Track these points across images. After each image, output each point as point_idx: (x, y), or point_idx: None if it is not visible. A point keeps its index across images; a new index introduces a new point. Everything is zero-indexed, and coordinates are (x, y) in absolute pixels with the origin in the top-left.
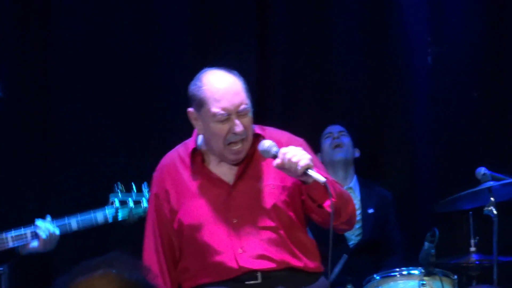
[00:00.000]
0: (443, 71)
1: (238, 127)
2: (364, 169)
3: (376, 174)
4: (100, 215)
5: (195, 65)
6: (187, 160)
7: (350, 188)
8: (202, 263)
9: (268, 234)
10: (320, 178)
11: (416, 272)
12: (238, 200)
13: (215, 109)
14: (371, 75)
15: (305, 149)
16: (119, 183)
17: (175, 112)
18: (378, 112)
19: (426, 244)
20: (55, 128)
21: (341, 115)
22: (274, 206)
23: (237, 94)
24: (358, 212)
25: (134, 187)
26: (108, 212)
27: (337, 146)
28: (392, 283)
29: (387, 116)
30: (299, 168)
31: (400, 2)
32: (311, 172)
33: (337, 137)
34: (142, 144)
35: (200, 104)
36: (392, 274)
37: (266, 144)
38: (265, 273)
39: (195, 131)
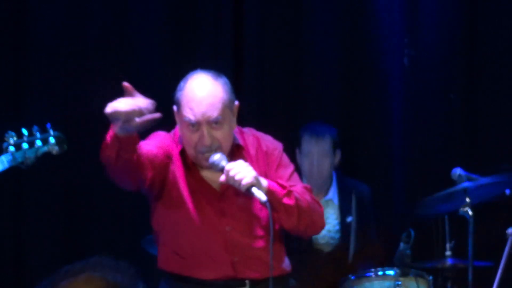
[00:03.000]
0: (419, 73)
1: (205, 139)
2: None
3: (351, 176)
4: None
5: (169, 69)
6: (179, 158)
7: (330, 200)
8: (192, 266)
9: (260, 243)
10: (262, 197)
11: (391, 272)
12: (230, 208)
13: (186, 115)
14: (347, 76)
15: (280, 156)
16: (9, 131)
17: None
18: (354, 113)
19: (402, 245)
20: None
21: (317, 116)
22: (262, 214)
23: (212, 105)
24: (336, 222)
25: (25, 131)
26: (5, 158)
27: (315, 175)
28: (367, 284)
29: (363, 118)
30: (241, 186)
31: (376, 4)
32: (254, 190)
33: (316, 167)
34: None
35: (178, 105)
36: (367, 274)
37: (215, 157)
38: (254, 280)
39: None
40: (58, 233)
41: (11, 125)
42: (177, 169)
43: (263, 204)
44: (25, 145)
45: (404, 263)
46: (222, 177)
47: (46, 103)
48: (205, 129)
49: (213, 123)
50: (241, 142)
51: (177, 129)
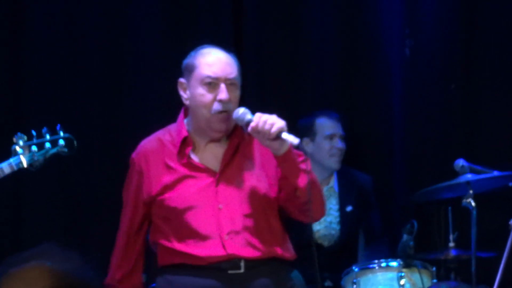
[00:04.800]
0: (420, 63)
1: (223, 93)
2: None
3: (352, 166)
4: (6, 166)
5: (167, 60)
6: (173, 148)
7: (331, 188)
8: (186, 245)
9: (253, 222)
10: (294, 140)
11: (394, 264)
12: (224, 188)
13: (205, 72)
14: (348, 67)
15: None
16: (18, 133)
17: (147, 110)
18: (355, 104)
19: (405, 236)
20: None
21: (318, 107)
22: (259, 194)
23: (231, 65)
24: (337, 213)
25: (34, 133)
26: (13, 161)
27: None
28: (370, 275)
29: (364, 109)
30: (272, 131)
31: None
32: (284, 135)
33: (340, 148)
34: (115, 138)
35: (192, 69)
36: (371, 266)
37: (240, 110)
38: (249, 262)
39: (180, 116)
40: (57, 232)
41: (12, 126)
42: (167, 159)
43: (295, 145)
44: (34, 148)
45: (407, 255)
46: (252, 124)
47: (44, 103)
48: (223, 85)
49: (230, 83)
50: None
51: (179, 120)
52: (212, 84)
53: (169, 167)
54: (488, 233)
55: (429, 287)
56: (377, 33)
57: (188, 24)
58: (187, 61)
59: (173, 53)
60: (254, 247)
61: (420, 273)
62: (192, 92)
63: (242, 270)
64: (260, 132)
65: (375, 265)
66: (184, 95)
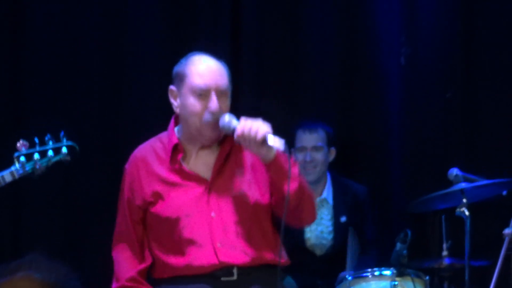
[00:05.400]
0: (415, 71)
1: (214, 104)
2: (335, 170)
3: (347, 175)
4: (7, 174)
5: (167, 60)
6: (165, 156)
7: (324, 199)
8: (179, 255)
9: (245, 229)
10: (279, 144)
11: (388, 272)
12: (216, 195)
13: (196, 81)
14: (344, 75)
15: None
16: (21, 139)
17: (147, 110)
18: (350, 112)
19: (398, 245)
20: (26, 125)
21: (314, 114)
22: (251, 201)
23: (221, 75)
24: (330, 222)
25: (37, 140)
26: (14, 169)
27: (309, 168)
28: (364, 284)
29: (359, 117)
30: (258, 136)
31: (374, 2)
32: (270, 141)
33: (310, 161)
34: (112, 140)
35: (182, 77)
36: (364, 275)
37: (226, 118)
38: (241, 269)
39: (171, 125)
40: (57, 233)
41: (12, 126)
42: (159, 167)
43: (282, 150)
44: (36, 155)
45: (401, 263)
46: (237, 132)
47: (44, 103)
48: (214, 95)
49: (220, 93)
50: None
51: (171, 128)
52: (202, 95)
53: (160, 176)
54: (481, 242)
55: None
56: (377, 34)
57: (188, 24)
58: (177, 69)
59: (173, 53)
60: (246, 254)
61: (413, 282)
62: (183, 101)
63: (235, 277)
64: (246, 139)
65: (368, 274)
66: (175, 102)
